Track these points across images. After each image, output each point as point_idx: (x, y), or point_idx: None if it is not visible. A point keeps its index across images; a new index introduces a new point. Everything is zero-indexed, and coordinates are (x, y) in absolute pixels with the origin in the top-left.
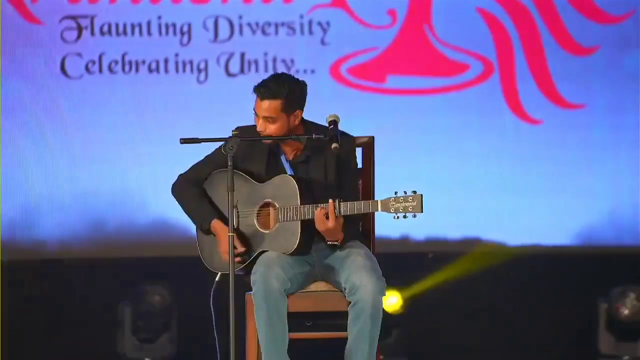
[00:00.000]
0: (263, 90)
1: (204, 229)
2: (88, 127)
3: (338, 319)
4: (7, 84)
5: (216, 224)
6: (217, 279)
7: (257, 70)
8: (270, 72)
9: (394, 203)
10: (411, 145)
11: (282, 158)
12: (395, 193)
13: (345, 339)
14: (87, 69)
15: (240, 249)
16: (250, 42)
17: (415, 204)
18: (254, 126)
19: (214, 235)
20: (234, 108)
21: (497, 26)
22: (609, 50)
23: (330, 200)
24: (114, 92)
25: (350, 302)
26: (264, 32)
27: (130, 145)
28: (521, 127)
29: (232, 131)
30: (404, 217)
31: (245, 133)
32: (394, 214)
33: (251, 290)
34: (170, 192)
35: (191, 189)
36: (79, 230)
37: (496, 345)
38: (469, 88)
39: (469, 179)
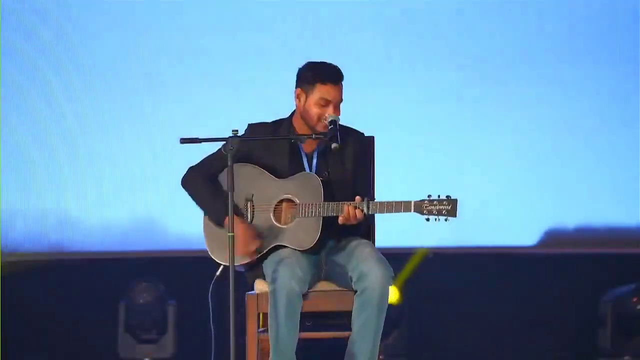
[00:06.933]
0: (336, 73)
1: (220, 224)
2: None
3: (338, 319)
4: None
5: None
6: (217, 273)
7: None
8: None
9: (427, 205)
10: None
11: (301, 151)
12: (429, 196)
13: (345, 339)
14: None
15: (256, 244)
16: None
17: (449, 207)
18: (265, 123)
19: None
20: None
21: None
22: None
23: (358, 197)
24: None
25: (356, 291)
26: None
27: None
28: None
29: (232, 130)
30: (436, 220)
31: (257, 131)
32: (427, 216)
33: (252, 291)
34: (181, 185)
35: (204, 183)
36: (79, 224)
37: (496, 347)
38: None
39: None
